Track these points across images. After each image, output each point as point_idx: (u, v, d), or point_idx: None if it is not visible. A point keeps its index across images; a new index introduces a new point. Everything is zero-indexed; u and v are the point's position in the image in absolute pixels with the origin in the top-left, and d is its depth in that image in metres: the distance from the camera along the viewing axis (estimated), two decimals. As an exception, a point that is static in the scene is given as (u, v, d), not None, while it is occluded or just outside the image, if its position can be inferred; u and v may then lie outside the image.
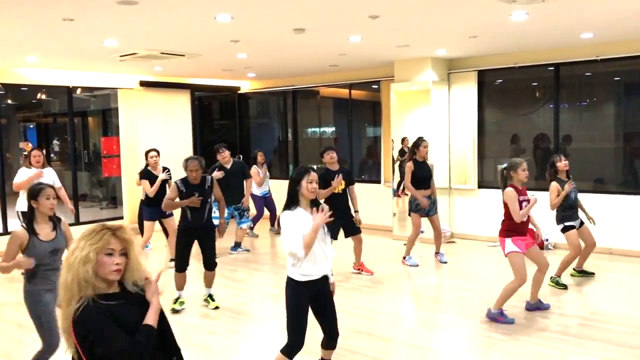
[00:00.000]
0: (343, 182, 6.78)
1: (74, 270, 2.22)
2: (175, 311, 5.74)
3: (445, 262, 7.59)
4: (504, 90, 9.64)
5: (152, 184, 7.61)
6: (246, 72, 10.36)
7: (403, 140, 9.33)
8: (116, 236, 2.29)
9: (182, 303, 5.88)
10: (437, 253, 7.75)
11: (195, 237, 5.81)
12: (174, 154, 9.47)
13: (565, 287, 6.32)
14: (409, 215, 7.60)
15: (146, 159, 7.84)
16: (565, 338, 4.84)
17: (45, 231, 3.83)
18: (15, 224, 8.15)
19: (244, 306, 6.05)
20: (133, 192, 9.79)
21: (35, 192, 3.82)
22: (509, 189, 5.19)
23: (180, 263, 5.80)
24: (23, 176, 7.25)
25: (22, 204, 7.19)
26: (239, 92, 12.28)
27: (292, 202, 3.67)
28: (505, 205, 5.22)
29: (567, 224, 6.30)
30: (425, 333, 5.22)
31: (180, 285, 5.84)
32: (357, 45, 7.38)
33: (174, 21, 5.76)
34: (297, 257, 3.57)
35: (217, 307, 5.88)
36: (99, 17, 5.41)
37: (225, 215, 8.01)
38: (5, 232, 8.71)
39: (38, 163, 7.35)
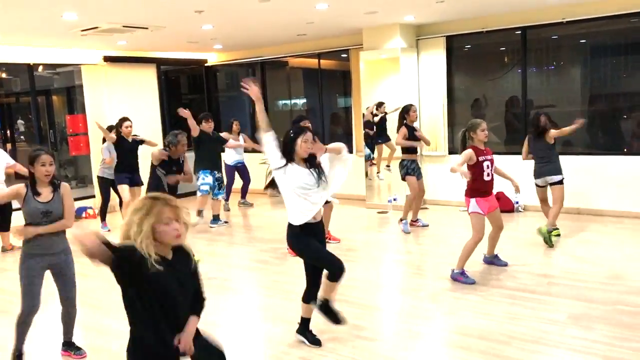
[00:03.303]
0: None
1: (137, 237, 2.44)
2: None
3: (427, 225, 7.75)
4: (473, 56, 9.65)
5: (124, 150, 8.11)
6: (212, 43, 10.18)
7: (380, 105, 9.24)
8: (169, 205, 2.53)
9: None
10: (414, 220, 7.81)
11: None
12: (142, 129, 9.32)
13: (551, 242, 6.47)
14: (403, 179, 7.60)
15: (120, 127, 8.13)
16: (534, 297, 4.95)
17: (44, 194, 3.95)
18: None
19: (226, 281, 6.05)
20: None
21: (31, 158, 3.94)
22: (468, 149, 5.37)
23: None
24: None
25: None
26: (205, 64, 12.07)
27: (285, 155, 3.90)
28: (468, 167, 5.34)
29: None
30: (399, 298, 5.29)
31: None
32: (324, 12, 7.29)
33: (134, -8, 5.60)
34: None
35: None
36: (56, -12, 5.23)
37: (210, 181, 8.28)
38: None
39: None
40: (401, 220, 7.64)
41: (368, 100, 9.38)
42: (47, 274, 4.10)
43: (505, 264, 5.83)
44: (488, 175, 5.40)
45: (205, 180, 8.32)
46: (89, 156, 10.44)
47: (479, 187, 5.36)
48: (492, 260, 5.88)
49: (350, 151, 10.01)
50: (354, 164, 9.70)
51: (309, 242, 3.99)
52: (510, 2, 7.34)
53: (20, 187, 3.98)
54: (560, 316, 4.49)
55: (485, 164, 5.37)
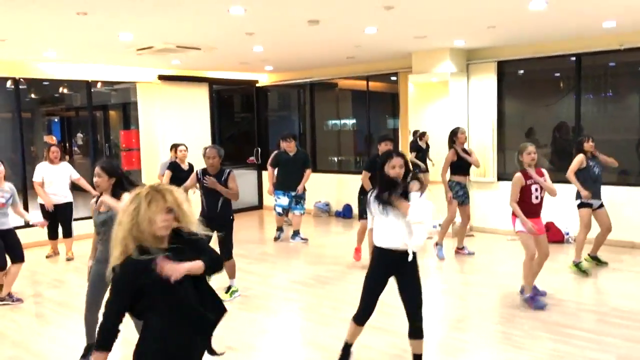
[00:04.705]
0: None
1: (124, 227, 2.47)
2: None
3: (473, 253, 7.55)
4: (525, 81, 9.46)
5: (178, 176, 7.63)
6: (263, 64, 10.34)
7: (423, 135, 9.22)
8: (163, 195, 2.50)
9: None
10: (460, 248, 7.65)
11: (213, 227, 5.81)
12: (192, 147, 9.49)
13: (586, 273, 6.35)
14: (449, 202, 7.47)
15: (174, 152, 8.19)
16: (581, 334, 4.74)
17: (104, 203, 4.18)
18: (37, 216, 8.35)
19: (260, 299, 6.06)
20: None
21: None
22: (517, 174, 5.42)
23: None
24: (39, 175, 7.72)
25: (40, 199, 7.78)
26: (256, 85, 12.27)
27: (386, 186, 3.75)
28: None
29: (583, 200, 6.43)
30: (439, 329, 5.16)
31: None
32: (373, 36, 7.30)
33: (187, 14, 5.75)
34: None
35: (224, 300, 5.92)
36: (112, 10, 5.43)
37: (285, 203, 8.54)
38: (27, 225, 8.82)
39: (56, 158, 7.74)
40: (436, 244, 7.50)
41: (416, 123, 9.30)
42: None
43: (544, 294, 5.65)
44: (537, 198, 5.39)
45: (278, 201, 8.61)
46: (140, 171, 10.72)
47: (525, 208, 5.36)
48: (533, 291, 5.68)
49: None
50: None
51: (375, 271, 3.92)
52: (565, 28, 7.17)
53: (92, 203, 4.36)
54: (609, 357, 4.28)
55: (534, 187, 5.36)
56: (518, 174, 5.41)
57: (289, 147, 8.58)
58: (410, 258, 3.79)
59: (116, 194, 4.16)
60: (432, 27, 6.97)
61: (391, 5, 5.60)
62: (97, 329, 2.56)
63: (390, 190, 3.74)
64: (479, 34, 7.53)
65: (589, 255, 6.78)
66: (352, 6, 5.66)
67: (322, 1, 5.41)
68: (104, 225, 4.07)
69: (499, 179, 8.85)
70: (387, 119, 11.49)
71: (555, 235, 7.85)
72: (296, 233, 8.74)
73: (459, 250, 7.64)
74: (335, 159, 12.31)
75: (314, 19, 6.15)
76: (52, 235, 8.08)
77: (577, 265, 6.46)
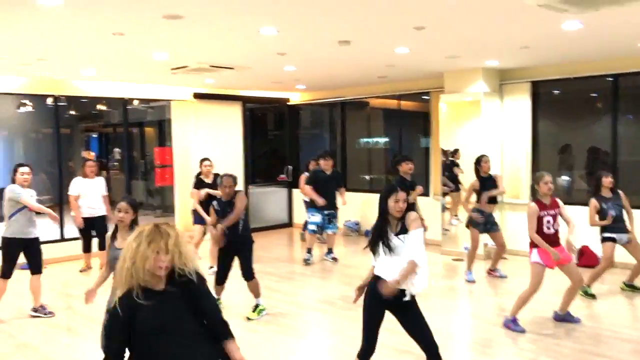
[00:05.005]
0: (417, 190, 7.08)
1: (127, 262, 2.51)
2: None
3: (505, 277, 7.39)
4: (560, 102, 9.30)
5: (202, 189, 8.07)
6: (295, 83, 10.43)
7: (455, 152, 9.14)
8: (163, 237, 2.54)
9: (220, 303, 6.03)
10: (492, 270, 7.53)
11: (233, 249, 5.92)
12: (225, 164, 9.62)
13: (594, 296, 6.26)
14: (467, 227, 7.43)
15: (200, 167, 8.27)
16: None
17: (121, 240, 4.08)
18: (70, 230, 8.54)
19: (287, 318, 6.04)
20: (185, 202, 9.98)
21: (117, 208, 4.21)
22: (531, 204, 5.36)
23: (219, 276, 6.01)
24: (75, 189, 7.91)
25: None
26: (288, 103, 12.37)
27: (381, 221, 3.74)
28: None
29: (606, 235, 6.29)
30: (467, 354, 5.05)
31: (217, 293, 6.00)
32: (404, 56, 7.30)
33: (220, 35, 5.86)
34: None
35: (248, 319, 5.92)
36: (147, 31, 5.56)
37: (319, 220, 8.46)
38: (62, 239, 9.04)
39: (92, 173, 7.88)
40: (468, 270, 7.43)
41: (448, 142, 9.23)
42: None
43: (578, 321, 5.53)
44: (548, 229, 5.28)
45: (312, 219, 8.52)
46: (172, 187, 10.86)
47: (544, 239, 5.25)
48: (564, 317, 5.59)
49: (427, 193, 9.88)
50: (430, 208, 9.59)
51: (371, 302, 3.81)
52: (600, 48, 7.04)
53: (107, 238, 4.26)
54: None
55: (546, 219, 5.28)
56: (533, 204, 5.33)
57: (327, 165, 8.55)
58: (407, 299, 3.70)
59: (133, 228, 4.15)
60: (464, 47, 6.93)
61: (422, 26, 5.59)
62: None
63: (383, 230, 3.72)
64: (512, 54, 7.45)
65: (624, 282, 6.61)
66: (382, 27, 5.67)
67: (352, 22, 5.44)
68: None
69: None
70: (419, 137, 11.42)
71: (589, 260, 7.63)
72: (330, 251, 8.78)
73: (491, 271, 7.52)
74: (367, 177, 12.26)
75: (345, 40, 6.19)
76: (86, 249, 8.23)
77: (584, 290, 6.29)
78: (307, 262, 8.56)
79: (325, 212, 8.48)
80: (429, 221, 9.31)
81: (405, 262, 3.62)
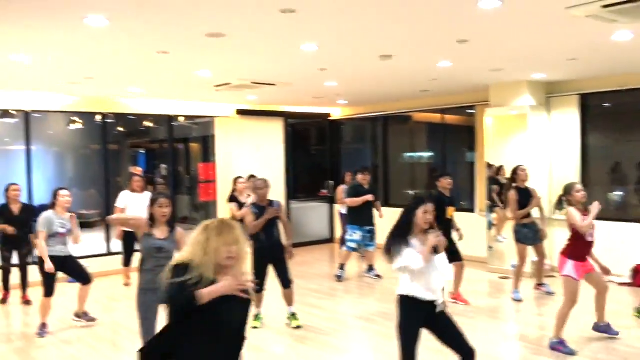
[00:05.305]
0: (453, 208, 6.87)
1: (198, 256, 2.60)
2: (254, 327, 5.91)
3: (553, 293, 7.14)
4: (611, 115, 8.98)
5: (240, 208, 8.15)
6: (337, 98, 10.43)
7: (499, 169, 8.94)
8: (230, 229, 2.67)
9: (260, 319, 6.14)
10: (539, 284, 7.33)
11: (269, 256, 6.00)
12: (266, 178, 9.64)
13: None
14: (515, 244, 7.25)
15: (235, 184, 8.25)
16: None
17: (160, 232, 4.31)
18: (116, 245, 8.71)
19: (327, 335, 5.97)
20: (228, 217, 10.07)
21: (152, 201, 4.38)
22: (570, 208, 5.17)
23: (258, 283, 5.96)
24: (122, 202, 8.04)
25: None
26: (329, 118, 12.37)
27: (403, 230, 3.68)
28: (571, 228, 5.17)
29: None
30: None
31: (257, 304, 6.07)
32: (447, 70, 7.19)
33: (261, 52, 5.90)
34: (409, 269, 3.60)
35: (298, 327, 6.00)
36: (191, 49, 5.65)
37: (359, 237, 8.34)
38: (109, 252, 9.22)
39: (139, 187, 8.04)
40: (515, 289, 7.22)
41: (494, 157, 9.02)
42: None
43: (617, 333, 5.39)
44: (591, 235, 5.12)
45: (352, 236, 8.38)
46: (216, 202, 10.97)
47: (580, 249, 5.14)
48: (605, 329, 5.46)
49: (472, 209, 9.68)
50: (475, 224, 9.38)
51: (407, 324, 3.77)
52: (654, 59, 6.77)
53: (144, 220, 4.37)
54: None
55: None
56: (572, 208, 5.15)
57: (365, 180, 8.47)
58: (439, 309, 3.69)
59: (171, 224, 4.38)
60: (509, 60, 6.78)
61: (465, 39, 5.50)
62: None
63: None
64: (559, 66, 7.25)
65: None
66: (424, 41, 5.61)
67: (393, 37, 5.39)
68: (160, 252, 4.23)
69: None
70: (464, 152, 11.23)
71: (645, 279, 7.31)
72: (371, 268, 8.65)
73: (539, 286, 7.35)
74: (410, 192, 12.11)
75: (386, 54, 6.14)
76: (127, 263, 8.34)
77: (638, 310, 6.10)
78: (339, 278, 8.41)
79: (367, 228, 8.38)
80: (474, 238, 9.15)
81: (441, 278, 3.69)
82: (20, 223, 7.19)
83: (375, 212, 8.58)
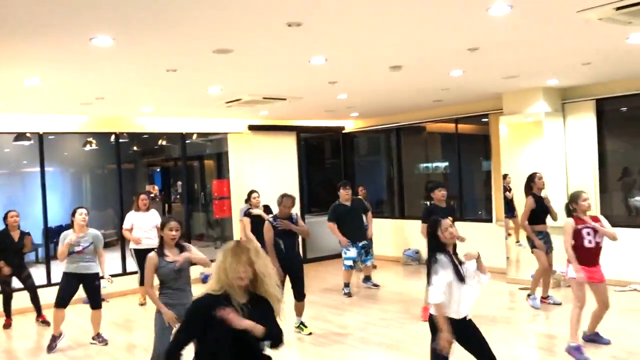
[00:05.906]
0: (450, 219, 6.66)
1: (222, 279, 2.81)
2: None
3: (560, 304, 7.00)
4: (628, 119, 8.81)
5: (252, 221, 8.23)
6: (349, 111, 10.37)
7: (504, 177, 8.84)
8: (243, 251, 2.83)
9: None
10: (544, 298, 7.19)
11: (287, 268, 6.07)
12: (281, 192, 9.59)
13: None
14: (532, 252, 7.12)
15: (249, 199, 8.45)
16: None
17: (172, 255, 4.41)
18: (131, 264, 8.69)
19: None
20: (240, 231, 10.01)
21: (162, 224, 4.53)
22: (568, 219, 5.27)
23: None
24: (129, 222, 8.07)
25: (132, 244, 8.07)
26: (343, 131, 12.32)
27: (435, 251, 3.92)
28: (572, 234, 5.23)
29: None
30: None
31: (298, 315, 6.29)
32: (459, 79, 7.11)
33: (270, 66, 5.87)
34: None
35: (310, 333, 6.17)
36: (199, 66, 5.64)
37: (354, 255, 8.21)
38: (124, 272, 9.21)
39: (144, 206, 8.01)
40: (529, 295, 7.09)
41: (510, 165, 8.89)
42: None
43: (608, 342, 5.42)
44: (590, 242, 5.15)
45: (347, 254, 8.22)
46: (230, 218, 10.94)
47: (580, 254, 5.16)
48: (593, 337, 5.48)
49: (490, 219, 9.52)
50: (492, 234, 9.22)
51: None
52: (671, 60, 6.63)
53: (153, 258, 4.39)
54: None
55: (585, 231, 5.16)
56: (569, 219, 5.25)
57: (347, 195, 8.24)
58: (469, 317, 3.86)
59: (179, 245, 4.47)
60: (522, 67, 6.69)
61: (475, 47, 5.42)
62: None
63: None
64: (574, 71, 7.13)
65: None
66: (434, 50, 5.54)
67: (402, 47, 5.34)
68: (179, 273, 4.35)
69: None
70: (480, 161, 11.10)
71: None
72: (368, 278, 8.68)
73: (544, 299, 7.19)
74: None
75: (396, 65, 6.08)
76: (142, 282, 8.28)
77: None
78: (348, 295, 8.22)
79: (359, 244, 8.17)
80: (493, 248, 8.96)
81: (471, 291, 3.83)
82: (19, 249, 7.27)
83: (373, 221, 8.60)
